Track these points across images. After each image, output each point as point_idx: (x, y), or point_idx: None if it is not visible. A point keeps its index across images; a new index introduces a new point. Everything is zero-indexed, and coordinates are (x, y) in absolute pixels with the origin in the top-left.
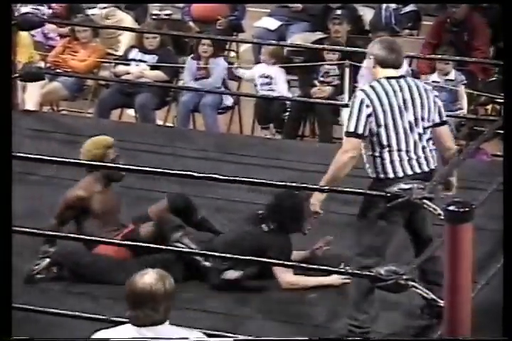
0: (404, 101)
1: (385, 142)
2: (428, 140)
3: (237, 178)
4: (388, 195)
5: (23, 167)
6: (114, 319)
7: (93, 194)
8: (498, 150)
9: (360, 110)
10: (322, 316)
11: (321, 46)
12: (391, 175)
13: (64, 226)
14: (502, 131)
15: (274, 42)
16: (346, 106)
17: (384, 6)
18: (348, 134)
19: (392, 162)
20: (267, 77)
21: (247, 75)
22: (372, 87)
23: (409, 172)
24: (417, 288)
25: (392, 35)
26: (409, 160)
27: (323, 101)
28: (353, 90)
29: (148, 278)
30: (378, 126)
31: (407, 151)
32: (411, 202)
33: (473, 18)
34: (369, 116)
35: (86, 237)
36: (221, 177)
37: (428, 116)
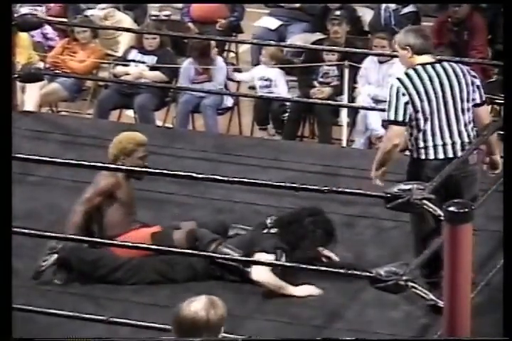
0: (442, 85)
1: (425, 127)
2: (469, 122)
3: (236, 179)
4: (388, 195)
5: (22, 168)
6: (113, 320)
7: (122, 183)
8: (503, 152)
9: (397, 98)
10: (322, 317)
11: (321, 47)
12: (431, 156)
13: (90, 213)
14: (501, 132)
15: (273, 42)
16: (346, 106)
17: (383, 6)
18: (390, 122)
19: (435, 146)
20: (266, 79)
21: (245, 78)
22: (407, 74)
23: (450, 155)
24: (416, 288)
25: (392, 35)
26: (453, 144)
27: (323, 101)
28: (352, 91)
29: (198, 305)
30: (416, 112)
31: (452, 134)
32: (411, 202)
33: (473, 17)
34: (406, 103)
35: (86, 238)
36: (220, 177)
37: (467, 96)
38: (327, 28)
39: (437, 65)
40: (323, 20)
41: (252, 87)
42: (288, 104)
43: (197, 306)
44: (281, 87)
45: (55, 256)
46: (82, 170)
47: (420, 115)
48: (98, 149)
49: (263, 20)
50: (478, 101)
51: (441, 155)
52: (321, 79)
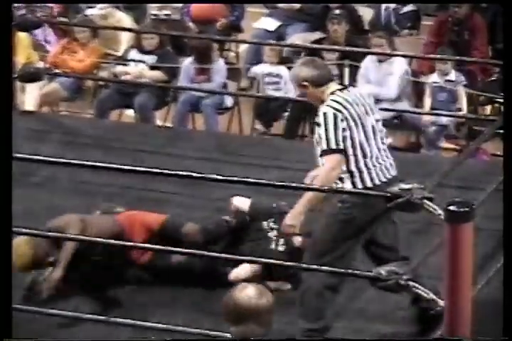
0: (364, 108)
1: (359, 152)
2: (383, 143)
3: (236, 179)
4: (388, 195)
5: (21, 168)
6: (116, 320)
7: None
8: (498, 150)
9: (336, 125)
10: None
11: (320, 46)
12: (369, 184)
13: None
14: (502, 131)
15: (273, 42)
16: None
17: (383, 5)
18: (332, 151)
19: (369, 171)
20: (276, 76)
21: (251, 72)
22: (335, 101)
23: (383, 179)
24: (417, 288)
25: (392, 34)
26: (380, 166)
27: None
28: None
29: (250, 292)
30: (352, 138)
31: (377, 158)
32: (411, 202)
33: (474, 17)
34: (344, 130)
35: (88, 239)
36: (221, 177)
37: (379, 117)
38: (327, 27)
39: (347, 90)
40: (323, 19)
41: (244, 89)
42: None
43: (254, 292)
44: (290, 85)
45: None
46: (83, 170)
47: (356, 140)
48: (98, 149)
49: (261, 22)
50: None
51: (382, 178)
52: None
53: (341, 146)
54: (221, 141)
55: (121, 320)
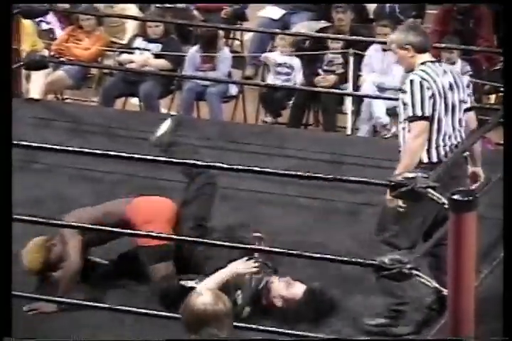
0: (450, 84)
1: (435, 126)
2: (460, 125)
3: (240, 167)
4: (392, 183)
5: (26, 155)
6: (116, 307)
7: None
8: (503, 139)
9: (422, 92)
10: None
11: (325, 35)
12: (434, 159)
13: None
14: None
15: (278, 30)
16: (350, 95)
17: None
18: (417, 118)
19: (437, 147)
20: (288, 66)
21: (262, 56)
22: (424, 71)
23: (442, 158)
24: (420, 277)
25: (396, 23)
26: (450, 145)
27: (328, 89)
28: (357, 79)
29: (205, 298)
30: (433, 109)
31: (450, 136)
32: (415, 191)
33: (479, 6)
34: (430, 98)
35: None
36: (225, 165)
37: (465, 99)
38: (331, 16)
39: (439, 64)
40: (328, 7)
41: (249, 77)
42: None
43: (209, 298)
44: (299, 76)
45: None
46: (87, 158)
47: (436, 113)
48: (103, 137)
49: (266, 10)
50: (469, 105)
51: (434, 159)
52: (325, 67)
53: (427, 113)
54: (225, 129)
55: (122, 307)
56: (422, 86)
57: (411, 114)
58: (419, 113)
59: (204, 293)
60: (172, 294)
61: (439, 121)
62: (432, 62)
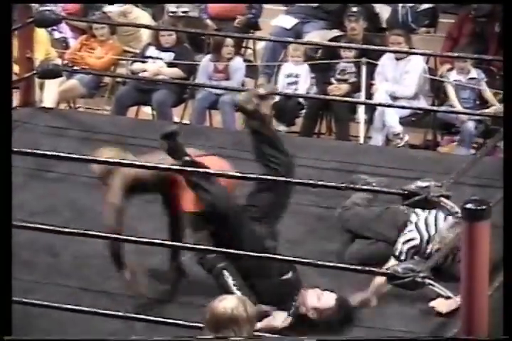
0: None
1: None
2: None
3: (252, 175)
4: (405, 192)
5: (40, 164)
6: (129, 315)
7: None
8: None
9: None
10: None
11: (338, 44)
12: None
13: None
14: None
15: (291, 39)
16: (363, 103)
17: (400, 3)
18: None
19: None
20: (296, 76)
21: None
22: None
23: None
24: (433, 285)
25: (409, 32)
26: None
27: (340, 98)
28: (369, 87)
29: (229, 302)
30: None
31: None
32: (428, 199)
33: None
34: None
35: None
36: (237, 174)
37: None
38: (344, 25)
39: None
40: (341, 16)
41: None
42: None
43: (232, 302)
44: (303, 83)
45: None
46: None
47: None
48: (116, 145)
49: (279, 19)
50: None
51: None
52: (338, 76)
53: None
54: (237, 137)
55: (135, 315)
56: None
57: None
58: None
59: (229, 297)
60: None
61: None
62: None
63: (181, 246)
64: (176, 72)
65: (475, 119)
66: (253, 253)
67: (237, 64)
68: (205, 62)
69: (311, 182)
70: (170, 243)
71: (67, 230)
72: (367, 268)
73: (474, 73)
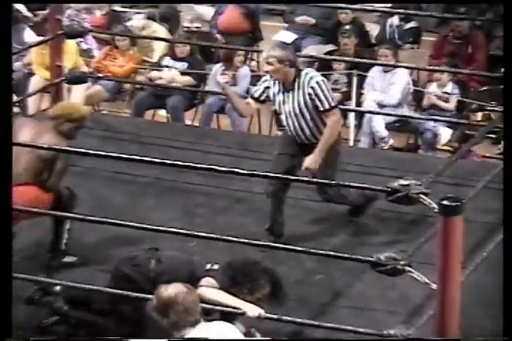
0: None
1: None
2: None
3: (255, 172)
4: (389, 189)
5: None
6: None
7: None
8: (487, 152)
9: (329, 90)
10: (328, 295)
11: (332, 57)
12: None
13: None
14: (491, 135)
15: None
16: (353, 110)
17: (388, 22)
18: (334, 107)
19: None
20: None
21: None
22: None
23: None
24: (412, 272)
25: (395, 48)
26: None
27: None
28: (359, 96)
29: (172, 287)
30: None
31: None
32: (409, 196)
33: (476, 33)
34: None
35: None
36: (241, 171)
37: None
38: (338, 41)
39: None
40: (335, 33)
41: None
42: None
43: (170, 288)
44: None
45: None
46: (120, 162)
47: None
48: (134, 144)
49: (280, 34)
50: None
51: None
52: (331, 86)
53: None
54: (242, 139)
55: None
56: (326, 84)
57: (327, 106)
58: (334, 104)
59: (172, 285)
60: None
61: None
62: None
63: (191, 234)
64: (188, 79)
65: (451, 127)
66: None
67: (244, 72)
68: (214, 71)
69: (306, 179)
70: (183, 231)
71: (90, 218)
72: (353, 256)
73: (450, 87)
